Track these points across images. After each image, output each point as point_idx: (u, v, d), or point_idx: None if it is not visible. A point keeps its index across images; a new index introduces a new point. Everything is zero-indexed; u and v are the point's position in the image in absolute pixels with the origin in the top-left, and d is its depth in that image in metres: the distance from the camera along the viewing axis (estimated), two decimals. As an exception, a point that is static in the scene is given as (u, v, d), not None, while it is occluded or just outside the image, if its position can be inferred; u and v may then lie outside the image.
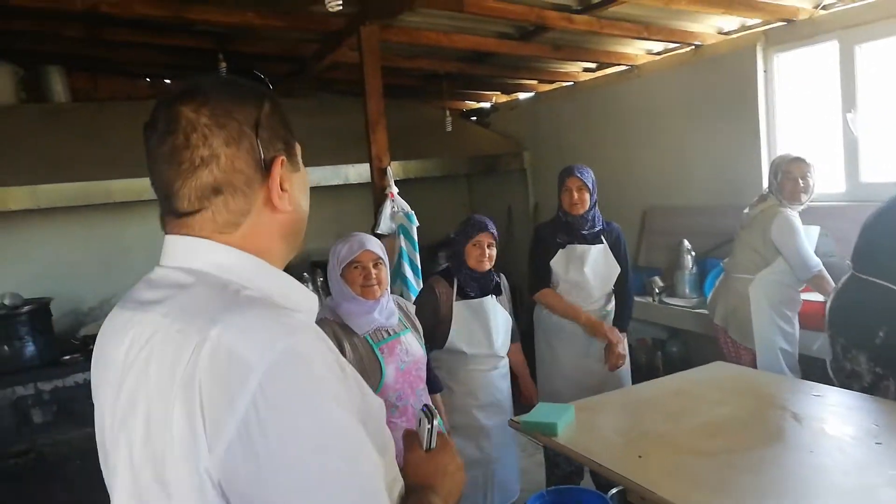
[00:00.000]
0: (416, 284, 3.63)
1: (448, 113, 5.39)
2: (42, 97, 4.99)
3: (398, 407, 2.23)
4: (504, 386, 2.93)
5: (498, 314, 2.90)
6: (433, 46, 4.38)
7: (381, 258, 2.23)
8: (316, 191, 4.53)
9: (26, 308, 4.33)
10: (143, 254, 5.42)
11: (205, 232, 0.84)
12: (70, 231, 5.16)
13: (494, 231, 2.86)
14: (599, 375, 3.14)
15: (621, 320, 3.20)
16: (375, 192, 3.73)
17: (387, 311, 2.28)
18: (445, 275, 2.93)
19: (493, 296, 2.91)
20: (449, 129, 5.24)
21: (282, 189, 0.87)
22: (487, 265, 2.85)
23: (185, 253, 0.85)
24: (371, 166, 3.73)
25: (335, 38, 3.95)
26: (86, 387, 4.40)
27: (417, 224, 3.65)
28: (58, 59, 4.91)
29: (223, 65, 4.26)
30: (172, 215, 0.85)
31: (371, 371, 2.17)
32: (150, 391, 0.77)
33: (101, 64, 5.07)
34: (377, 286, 2.21)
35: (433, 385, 2.55)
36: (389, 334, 2.28)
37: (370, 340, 2.23)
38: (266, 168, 0.85)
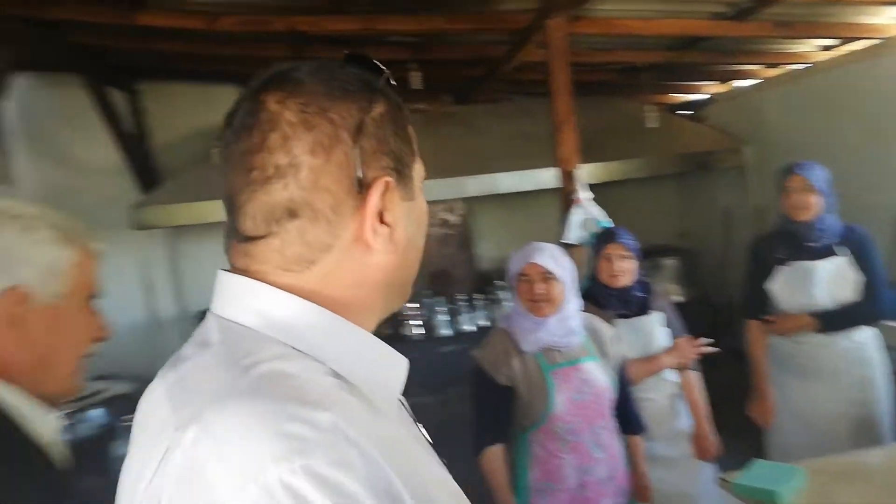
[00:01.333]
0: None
1: (651, 108, 4.92)
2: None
3: (568, 441, 2.01)
4: (681, 411, 2.52)
5: (654, 334, 2.49)
6: (631, 36, 4.00)
7: (550, 272, 2.03)
8: (507, 198, 4.42)
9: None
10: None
11: (267, 265, 0.62)
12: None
13: (628, 241, 2.49)
14: (847, 423, 2.54)
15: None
16: (563, 198, 3.46)
17: (560, 329, 2.05)
18: (588, 296, 2.52)
19: (646, 314, 2.51)
20: (652, 125, 4.77)
21: (381, 221, 0.64)
22: (622, 280, 2.47)
23: (233, 297, 0.64)
24: (559, 169, 3.46)
25: (522, 37, 3.76)
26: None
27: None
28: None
29: (416, 74, 4.28)
30: (236, 238, 0.64)
31: (538, 396, 2.00)
32: (129, 483, 0.60)
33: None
34: (545, 303, 2.02)
35: (632, 425, 2.22)
36: (567, 358, 2.06)
37: (543, 362, 2.04)
38: (362, 191, 0.63)
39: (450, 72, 4.79)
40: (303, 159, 0.60)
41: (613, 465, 2.07)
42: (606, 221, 3.28)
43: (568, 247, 3.39)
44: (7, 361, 0.94)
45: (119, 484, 0.63)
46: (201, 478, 0.51)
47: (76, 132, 4.93)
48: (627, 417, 2.18)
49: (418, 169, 0.70)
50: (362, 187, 0.62)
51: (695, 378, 2.54)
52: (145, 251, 5.01)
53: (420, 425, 0.78)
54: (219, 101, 5.51)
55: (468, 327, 4.83)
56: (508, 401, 2.03)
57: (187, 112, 5.10)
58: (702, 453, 2.49)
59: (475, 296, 5.12)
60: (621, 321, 2.44)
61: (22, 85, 4.99)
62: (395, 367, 0.67)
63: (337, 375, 0.60)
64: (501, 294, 5.14)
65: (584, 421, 2.02)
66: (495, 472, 1.99)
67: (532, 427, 2.03)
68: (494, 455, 2.01)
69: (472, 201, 5.42)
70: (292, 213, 0.61)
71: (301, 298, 0.62)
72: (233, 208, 0.64)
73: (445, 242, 5.27)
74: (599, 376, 2.07)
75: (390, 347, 0.66)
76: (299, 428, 0.52)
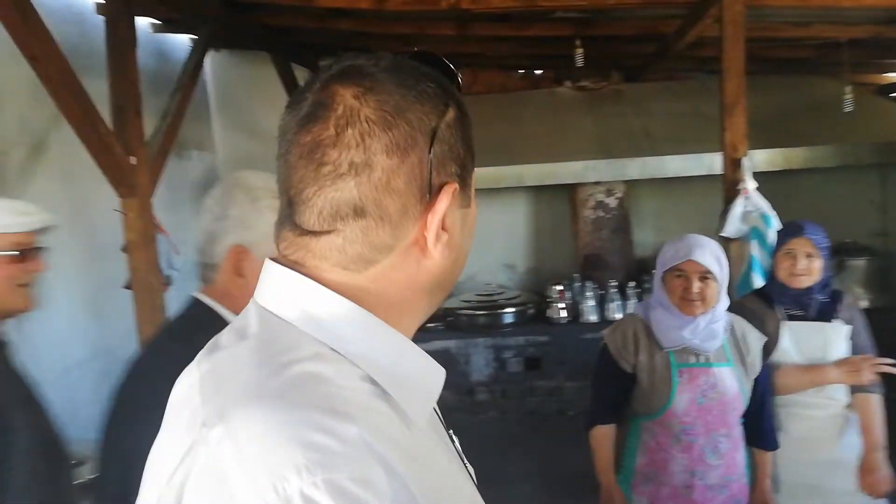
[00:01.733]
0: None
1: (852, 89, 4.34)
2: (430, 92, 5.62)
3: (681, 440, 1.97)
4: (850, 440, 2.22)
5: (831, 345, 2.20)
6: (831, 8, 3.55)
7: (710, 272, 1.92)
8: (672, 182, 4.18)
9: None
10: (505, 238, 5.80)
11: (326, 262, 0.62)
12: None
13: (817, 237, 2.20)
14: None
15: None
16: (726, 188, 3.19)
17: (704, 332, 1.95)
18: (760, 293, 2.36)
19: (827, 321, 2.22)
20: (849, 108, 4.22)
21: (442, 228, 0.63)
22: (804, 280, 2.20)
23: (279, 290, 0.63)
24: (724, 156, 3.20)
25: (697, 11, 3.48)
26: (443, 353, 4.87)
27: (778, 228, 3.00)
28: (447, 59, 5.43)
29: (579, 51, 4.15)
30: (292, 228, 0.63)
31: (658, 390, 1.97)
32: (155, 469, 0.60)
33: (479, 60, 5.45)
34: (699, 302, 1.93)
35: (762, 440, 2.09)
36: (699, 360, 1.98)
37: (673, 358, 1.99)
38: (431, 196, 0.62)
39: (617, 48, 4.58)
40: (378, 159, 0.59)
41: (730, 475, 2.00)
42: (772, 216, 2.98)
43: (726, 241, 3.14)
44: (235, 302, 1.21)
45: (148, 462, 0.63)
46: (223, 481, 0.51)
47: (264, 105, 5.41)
48: (759, 430, 2.07)
49: (474, 176, 0.69)
50: (431, 192, 0.62)
51: (874, 402, 2.22)
52: None
53: (451, 432, 0.78)
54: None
55: (617, 315, 4.67)
56: (627, 387, 2.03)
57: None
58: (870, 488, 2.18)
59: (628, 284, 4.92)
60: (795, 324, 2.22)
61: (219, 61, 5.58)
62: (432, 376, 0.66)
63: (372, 381, 0.59)
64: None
65: (703, 425, 1.96)
66: (601, 448, 2.04)
67: (647, 417, 2.02)
68: (603, 433, 2.05)
69: (633, 184, 5.19)
70: (359, 212, 0.60)
71: (349, 301, 0.61)
72: (295, 199, 0.62)
73: (601, 226, 5.10)
74: (731, 384, 1.97)
75: (429, 357, 0.66)
76: (325, 439, 0.51)
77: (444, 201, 0.62)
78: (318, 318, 0.60)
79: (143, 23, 4.60)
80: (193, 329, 1.14)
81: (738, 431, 2.02)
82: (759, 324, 2.17)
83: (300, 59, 5.26)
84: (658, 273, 2.02)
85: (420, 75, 0.63)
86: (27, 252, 1.56)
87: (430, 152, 0.61)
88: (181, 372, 0.67)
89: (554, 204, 5.66)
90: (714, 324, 1.96)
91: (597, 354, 2.13)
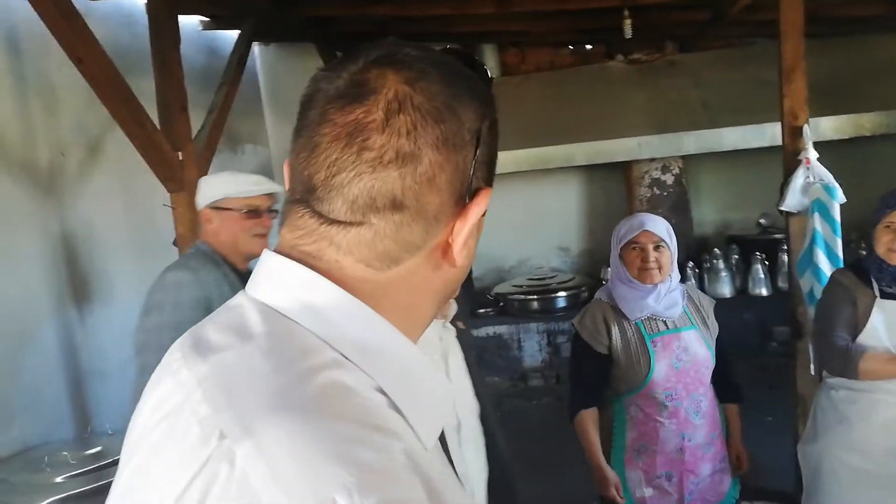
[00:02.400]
0: (834, 277, 2.81)
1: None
2: (477, 74, 5.54)
3: (667, 407, 2.07)
4: None
5: None
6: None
7: (663, 240, 2.06)
8: (732, 155, 4.00)
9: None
10: (558, 221, 5.69)
11: (349, 257, 0.56)
12: (497, 193, 5.63)
13: None
14: None
15: None
16: (786, 159, 3.01)
17: (666, 299, 2.09)
18: (856, 267, 2.21)
19: None
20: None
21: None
22: None
23: (286, 286, 0.57)
24: (783, 124, 3.01)
25: (751, -30, 3.28)
26: (495, 338, 4.84)
27: (842, 200, 2.81)
28: (489, 38, 5.35)
29: (628, 22, 3.99)
30: (312, 216, 0.57)
31: (639, 363, 2.07)
32: (153, 489, 0.52)
33: (525, 38, 5.33)
34: (656, 270, 2.05)
35: (729, 394, 2.24)
36: (667, 327, 2.11)
37: (644, 330, 2.10)
38: (469, 199, 0.58)
39: (669, 17, 4.38)
40: (426, 152, 0.55)
41: (713, 431, 2.13)
42: (835, 187, 2.79)
43: (787, 215, 2.97)
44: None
45: (134, 474, 0.56)
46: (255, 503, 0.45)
47: (313, 96, 5.47)
48: (727, 386, 2.20)
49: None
50: (469, 195, 0.58)
51: None
52: None
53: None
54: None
55: (676, 296, 4.51)
56: (605, 368, 2.12)
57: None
58: None
59: (687, 264, 4.74)
60: (889, 303, 2.08)
61: (268, 56, 5.65)
62: (443, 397, 0.63)
63: (384, 394, 0.54)
64: (719, 263, 4.70)
65: (684, 387, 2.07)
66: (587, 432, 2.08)
67: (630, 392, 2.10)
68: (587, 417, 2.11)
69: (690, 159, 4.98)
70: (398, 206, 0.55)
71: (367, 307, 0.56)
72: (322, 184, 0.56)
73: (657, 204, 4.92)
74: (699, 345, 2.10)
75: (442, 376, 0.64)
76: (373, 456, 0.47)
77: (481, 206, 0.59)
78: (331, 323, 0.55)
79: (192, 20, 4.70)
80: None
81: (711, 390, 2.15)
82: (850, 299, 2.10)
83: (344, 48, 5.27)
84: (614, 251, 2.14)
85: (466, 75, 0.60)
86: (260, 211, 2.05)
87: (475, 153, 0.58)
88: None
89: (608, 183, 5.51)
90: (672, 292, 2.09)
91: (570, 343, 2.25)
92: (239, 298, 0.60)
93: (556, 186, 5.63)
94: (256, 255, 1.85)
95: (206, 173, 3.20)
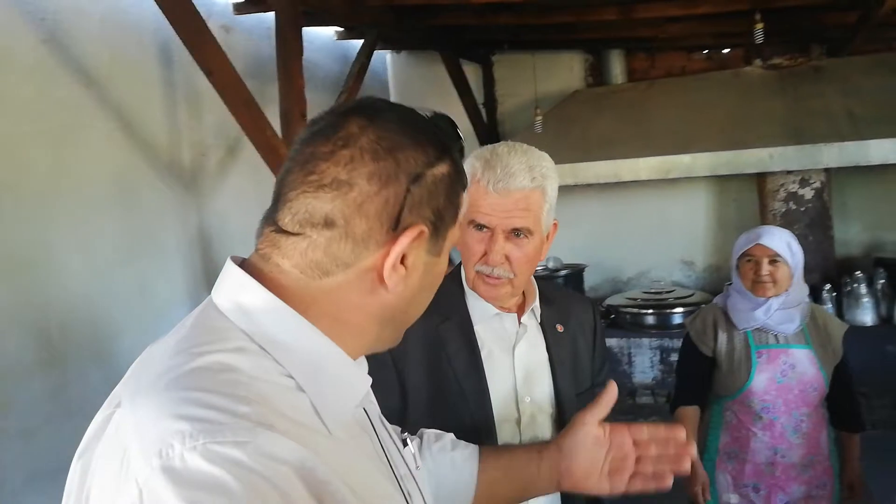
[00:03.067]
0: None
1: None
2: (603, 80, 5.42)
3: (762, 418, 2.09)
4: None
5: None
6: None
7: (779, 255, 2.04)
8: (882, 170, 3.66)
9: (563, 272, 4.91)
10: (683, 232, 5.43)
11: (287, 261, 0.66)
12: (613, 203, 5.50)
13: None
14: None
15: None
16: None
17: (778, 315, 2.08)
18: None
19: None
20: None
21: (402, 263, 0.67)
22: None
23: (228, 286, 0.68)
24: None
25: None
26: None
27: None
28: (615, 44, 5.21)
29: (759, 26, 3.74)
30: (270, 224, 0.68)
31: (739, 370, 2.11)
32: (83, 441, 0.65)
33: (654, 43, 5.14)
34: (769, 284, 2.05)
35: (847, 421, 2.20)
36: (777, 341, 2.10)
37: (751, 340, 2.12)
38: (397, 230, 0.66)
39: (810, 19, 4.04)
40: (359, 182, 0.65)
41: (813, 454, 2.10)
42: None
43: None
44: None
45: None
46: (123, 450, 0.56)
47: (438, 102, 5.63)
48: (844, 413, 2.18)
49: (454, 233, 0.73)
50: (398, 227, 0.66)
51: None
52: None
53: (392, 434, 0.80)
54: (553, 67, 5.65)
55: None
56: (707, 370, 2.18)
57: (530, 80, 5.35)
58: None
59: (824, 286, 4.34)
60: None
61: (398, 63, 5.89)
62: (354, 382, 0.70)
63: (293, 379, 0.64)
64: (861, 287, 4.25)
65: (784, 403, 2.07)
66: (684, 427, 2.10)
67: (727, 397, 2.15)
68: (686, 413, 2.17)
69: (836, 173, 4.55)
70: (329, 223, 0.65)
71: (289, 307, 0.65)
72: (280, 198, 0.68)
73: (793, 220, 4.53)
74: (810, 366, 2.07)
75: (355, 367, 0.70)
76: (213, 414, 0.55)
77: (407, 237, 0.66)
78: (249, 312, 0.65)
79: (328, 31, 5.03)
80: None
81: (821, 413, 2.12)
82: None
83: (469, 55, 5.38)
84: (733, 262, 2.18)
85: (425, 127, 0.70)
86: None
87: (407, 191, 0.66)
88: None
89: (740, 195, 5.17)
90: (790, 308, 2.07)
91: (682, 342, 2.30)
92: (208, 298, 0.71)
93: (683, 197, 5.37)
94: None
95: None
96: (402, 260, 0.67)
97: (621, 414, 4.56)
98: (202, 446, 0.53)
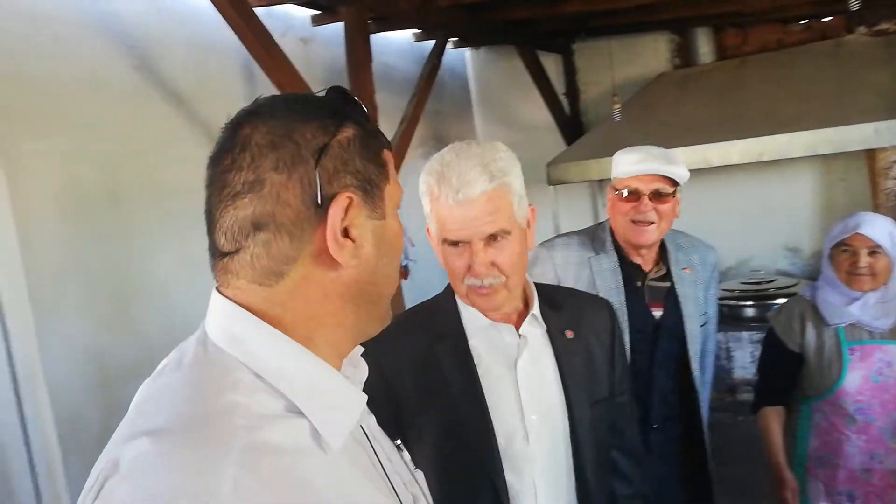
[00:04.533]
0: None
1: None
2: (691, 61, 5.16)
3: (856, 421, 1.93)
4: None
5: None
6: None
7: (880, 246, 1.88)
8: None
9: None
10: (786, 217, 5.07)
11: (243, 280, 0.66)
12: (705, 190, 5.22)
13: None
14: None
15: None
16: None
17: (875, 309, 1.91)
18: None
19: None
20: None
21: (347, 237, 0.66)
22: None
23: (214, 316, 0.68)
24: None
25: None
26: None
27: None
28: (706, 20, 4.94)
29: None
30: (213, 255, 0.68)
31: (829, 368, 1.95)
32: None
33: (745, 17, 4.83)
34: (868, 277, 1.89)
35: None
36: (872, 337, 1.93)
37: (842, 335, 1.96)
38: (323, 206, 0.65)
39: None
40: (267, 175, 0.64)
41: None
42: None
43: None
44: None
45: None
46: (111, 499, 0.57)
47: (517, 95, 5.58)
48: None
49: (391, 191, 0.72)
50: (323, 203, 0.65)
51: None
52: (555, 205, 5.10)
53: (389, 445, 0.79)
54: (636, 52, 5.45)
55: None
56: (794, 367, 2.03)
57: (613, 66, 5.18)
58: None
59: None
60: None
61: (478, 59, 5.88)
62: (349, 402, 0.69)
63: (290, 404, 0.63)
64: None
65: (880, 404, 1.91)
66: (769, 430, 2.03)
67: (817, 398, 2.00)
68: (770, 415, 2.05)
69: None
70: (257, 226, 0.64)
71: (276, 330, 0.65)
72: (211, 227, 0.68)
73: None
74: None
75: (350, 385, 0.69)
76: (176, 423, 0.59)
77: (335, 209, 0.65)
78: (246, 347, 0.65)
79: (406, 35, 5.10)
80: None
81: None
82: None
83: (547, 46, 5.28)
84: (826, 250, 2.02)
85: (311, 103, 0.69)
86: (639, 194, 1.77)
87: (316, 165, 0.65)
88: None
89: (848, 175, 4.77)
90: (888, 302, 1.91)
91: (764, 337, 2.15)
92: (201, 328, 0.71)
93: (784, 179, 5.02)
94: (638, 246, 1.81)
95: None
96: (348, 234, 0.66)
97: (720, 412, 4.35)
98: None
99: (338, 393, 0.67)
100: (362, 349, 0.77)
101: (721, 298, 4.60)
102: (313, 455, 0.62)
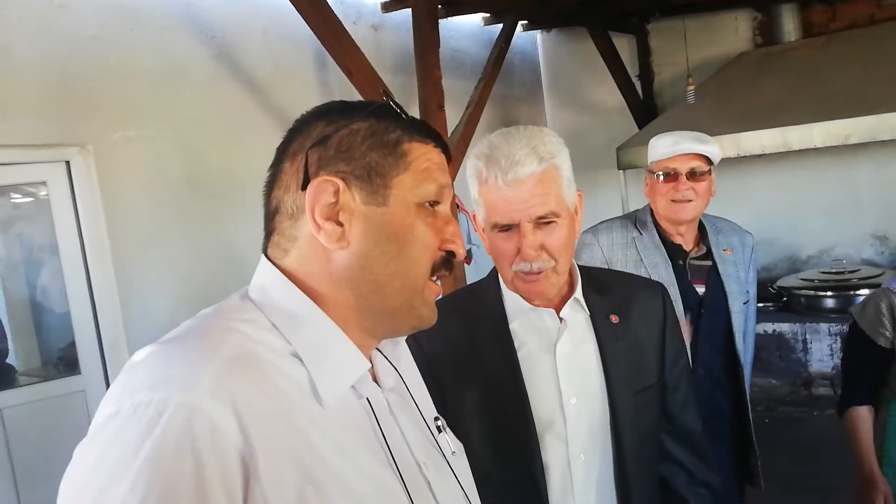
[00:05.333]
0: None
1: None
2: (775, 39, 4.92)
3: None
4: None
5: None
6: None
7: None
8: None
9: (726, 251, 4.57)
10: (874, 203, 4.79)
11: (275, 250, 0.75)
12: (786, 174, 4.99)
13: None
14: None
15: None
16: None
17: None
18: None
19: None
20: None
21: (337, 223, 0.70)
22: None
23: (257, 272, 0.77)
24: None
25: None
26: (775, 337, 4.34)
27: None
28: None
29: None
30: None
31: None
32: None
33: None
34: None
35: None
36: None
37: None
38: (304, 189, 0.71)
39: None
40: (282, 166, 0.74)
41: None
42: None
43: None
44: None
45: None
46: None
47: (588, 78, 5.48)
48: None
49: (404, 180, 0.72)
50: (305, 186, 0.71)
51: None
52: (625, 190, 4.90)
53: (416, 426, 0.79)
54: (714, 30, 5.25)
55: None
56: (883, 363, 1.88)
57: (688, 46, 5.01)
58: None
59: None
60: None
61: (548, 42, 5.80)
62: (349, 364, 0.72)
63: (295, 352, 0.69)
64: None
65: None
66: (858, 432, 1.89)
67: None
68: (859, 415, 1.90)
69: None
70: (276, 210, 0.74)
71: (288, 280, 0.72)
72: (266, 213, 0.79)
73: None
74: None
75: (355, 350, 0.73)
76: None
77: (311, 192, 0.70)
78: (268, 296, 0.73)
79: (476, 19, 5.09)
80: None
81: None
82: None
83: (621, 27, 5.16)
84: None
85: (333, 105, 0.76)
86: (677, 174, 1.84)
87: (306, 154, 0.71)
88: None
89: (947, 158, 4.46)
90: None
91: (847, 332, 1.98)
92: None
93: (873, 163, 4.74)
94: (679, 222, 1.86)
95: (459, 164, 3.52)
96: (338, 219, 0.70)
97: (795, 406, 4.20)
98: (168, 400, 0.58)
99: (340, 353, 0.71)
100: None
101: (797, 288, 4.43)
102: (306, 399, 0.66)
